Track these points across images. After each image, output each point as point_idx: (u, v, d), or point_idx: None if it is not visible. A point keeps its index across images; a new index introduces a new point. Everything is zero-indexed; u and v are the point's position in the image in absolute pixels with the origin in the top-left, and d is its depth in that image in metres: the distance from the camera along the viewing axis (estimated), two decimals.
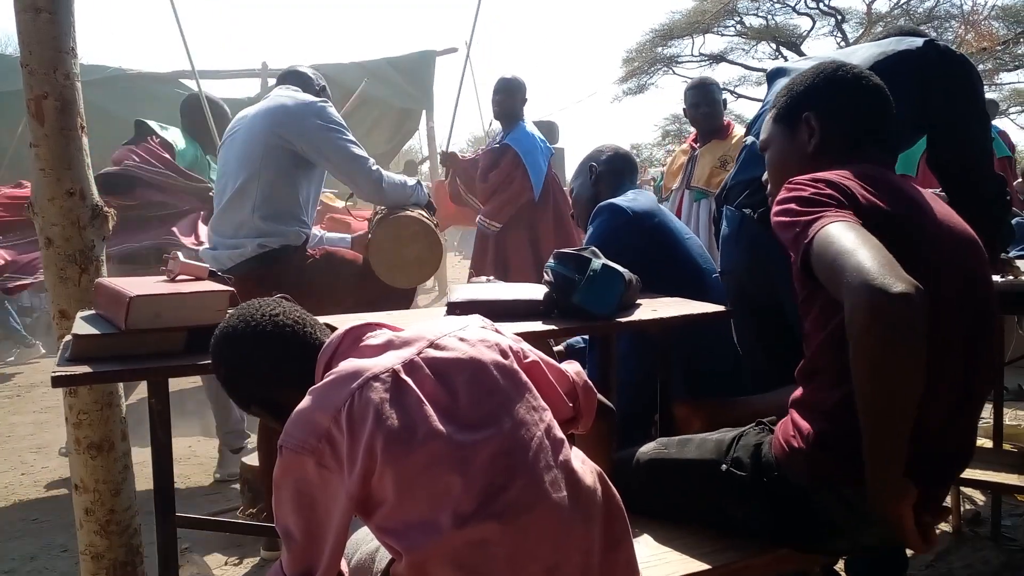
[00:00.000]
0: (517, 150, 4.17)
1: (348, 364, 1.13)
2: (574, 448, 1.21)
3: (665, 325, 1.95)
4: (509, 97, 4.24)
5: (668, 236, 2.30)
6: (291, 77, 2.78)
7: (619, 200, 2.29)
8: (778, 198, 1.33)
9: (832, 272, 1.14)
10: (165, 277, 1.78)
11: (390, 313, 2.07)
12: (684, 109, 4.20)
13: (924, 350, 1.07)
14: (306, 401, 1.11)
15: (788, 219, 1.27)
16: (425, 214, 2.71)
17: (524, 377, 1.19)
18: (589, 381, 1.37)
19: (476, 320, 1.27)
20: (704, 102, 4.01)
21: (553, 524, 1.09)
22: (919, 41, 1.97)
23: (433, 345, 1.16)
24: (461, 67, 7.82)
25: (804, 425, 1.31)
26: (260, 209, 2.49)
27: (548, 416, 1.18)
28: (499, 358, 1.19)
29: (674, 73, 19.97)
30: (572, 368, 1.36)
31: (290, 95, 2.63)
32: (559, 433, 1.18)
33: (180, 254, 1.78)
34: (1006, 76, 18.12)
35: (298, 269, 2.53)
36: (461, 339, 1.18)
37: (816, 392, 1.31)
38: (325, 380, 1.12)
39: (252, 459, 2.80)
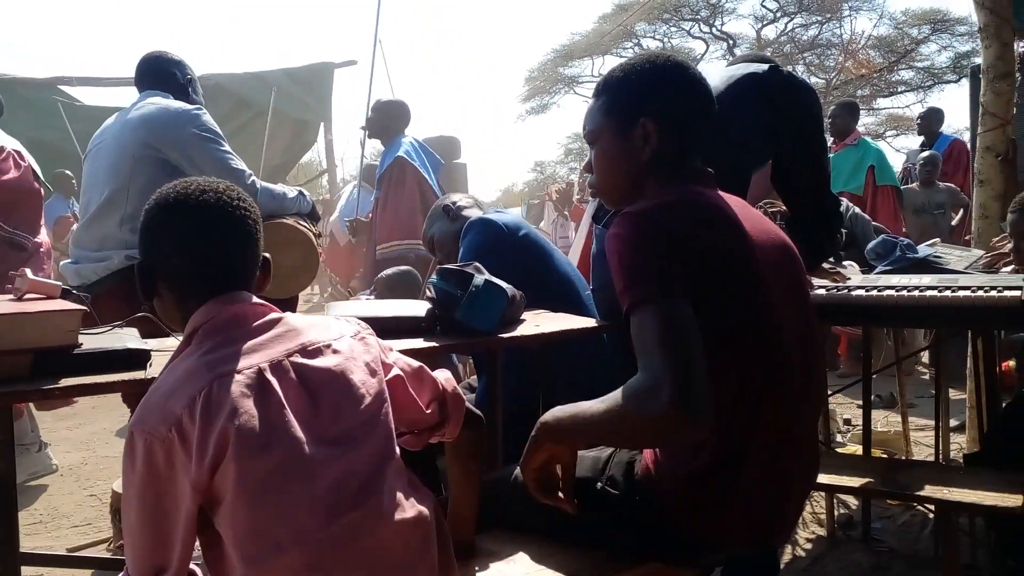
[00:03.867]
0: (411, 161, 4.24)
1: (210, 353, 1.06)
2: (411, 479, 1.18)
3: (547, 340, 1.95)
4: (381, 116, 4.43)
5: (538, 248, 2.35)
6: (152, 75, 2.61)
7: (489, 215, 2.31)
8: (611, 233, 1.28)
9: (637, 351, 1.15)
10: (11, 296, 1.65)
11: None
12: None
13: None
14: (162, 383, 1.05)
15: (615, 269, 1.26)
16: (303, 222, 2.63)
17: (386, 396, 1.16)
18: (458, 389, 1.35)
19: (350, 328, 1.21)
20: None
21: (395, 549, 1.07)
22: (764, 67, 2.07)
23: (304, 351, 1.10)
24: (359, 79, 7.77)
25: (661, 451, 1.34)
26: (129, 221, 2.37)
27: (395, 447, 1.15)
28: (368, 376, 1.15)
29: (575, 93, 20.40)
30: (443, 375, 1.34)
31: (161, 103, 2.51)
32: (401, 464, 1.16)
33: (28, 271, 1.66)
34: (882, 101, 19.33)
35: None
36: (335, 350, 1.13)
37: None
38: (185, 367, 1.05)
39: (121, 486, 2.64)
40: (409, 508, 1.10)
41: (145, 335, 1.73)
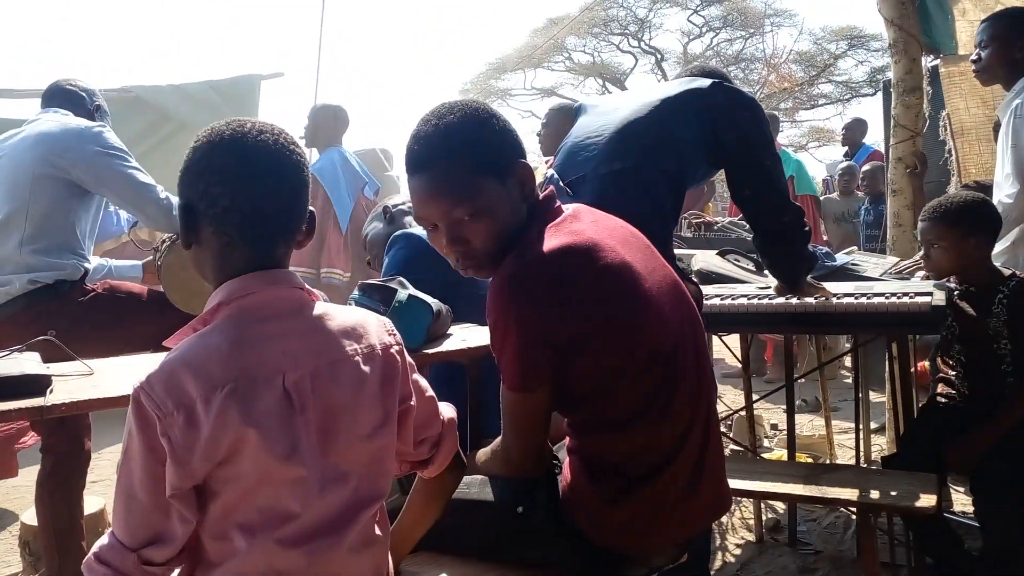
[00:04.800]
0: (322, 183, 4.08)
1: (240, 342, 0.99)
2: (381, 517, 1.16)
3: (475, 355, 1.93)
4: (314, 123, 4.23)
5: None
6: (59, 96, 2.54)
7: (414, 229, 2.28)
8: (489, 297, 1.29)
9: (502, 412, 1.36)
10: None
11: None
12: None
13: None
14: (185, 353, 0.98)
15: (490, 330, 1.32)
16: None
17: (393, 434, 1.12)
18: (456, 433, 1.29)
19: (384, 338, 1.13)
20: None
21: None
22: (707, 82, 2.08)
23: (331, 367, 1.04)
24: (289, 92, 7.62)
25: (579, 472, 1.36)
26: (30, 243, 2.26)
27: (387, 488, 1.13)
28: (389, 405, 1.10)
29: (508, 105, 20.52)
30: (448, 412, 1.28)
31: (60, 120, 2.42)
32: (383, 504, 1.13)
33: None
34: (804, 114, 20.02)
35: (77, 306, 2.30)
36: (360, 370, 1.06)
37: (582, 442, 1.37)
38: (212, 346, 0.98)
39: (31, 517, 2.50)
40: (367, 554, 1.07)
41: (47, 360, 1.64)
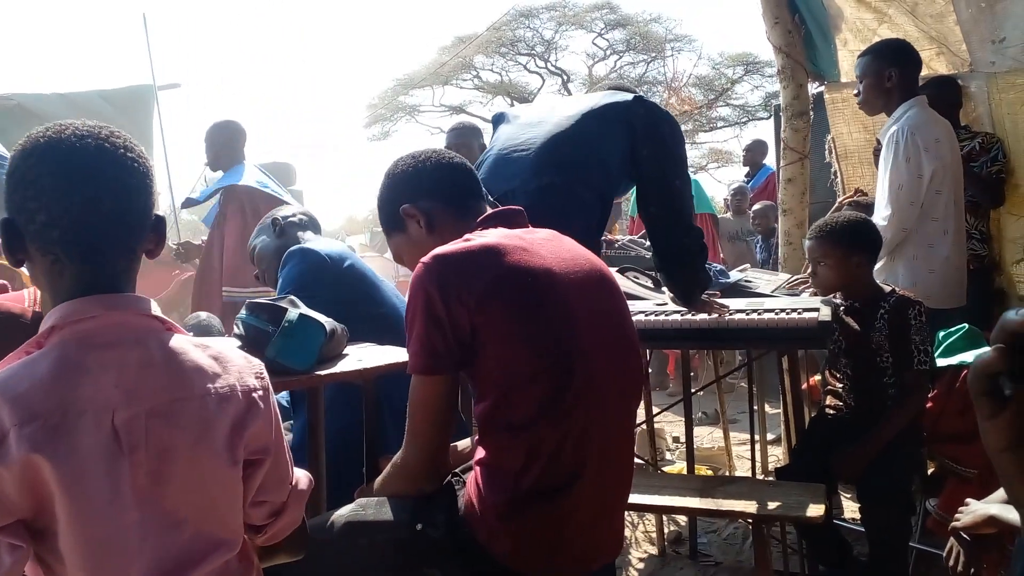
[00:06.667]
0: (257, 188, 3.94)
1: (68, 370, 0.89)
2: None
3: (370, 376, 1.88)
4: (211, 144, 4.04)
5: (364, 280, 2.27)
6: None
7: (309, 244, 2.21)
8: (411, 283, 1.36)
9: (408, 416, 1.39)
10: None
11: None
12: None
13: None
14: (4, 377, 0.87)
15: (406, 326, 1.37)
16: None
17: (239, 479, 1.00)
18: (302, 508, 1.15)
19: (247, 380, 1.02)
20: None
21: None
22: (629, 96, 2.11)
23: (172, 404, 0.93)
24: (187, 103, 7.38)
25: (481, 483, 1.34)
26: None
27: (236, 542, 1.02)
28: (237, 454, 0.98)
29: (417, 121, 20.45)
30: (302, 483, 1.13)
31: None
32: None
33: None
34: (703, 136, 20.75)
35: None
36: (210, 406, 0.96)
37: (489, 450, 1.35)
38: (36, 372, 0.88)
39: None
40: None
41: None
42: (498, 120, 2.30)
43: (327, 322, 1.83)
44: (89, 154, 0.94)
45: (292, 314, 1.75)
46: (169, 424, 0.93)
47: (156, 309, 1.00)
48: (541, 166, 2.02)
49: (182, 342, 0.99)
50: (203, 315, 3.27)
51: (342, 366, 1.84)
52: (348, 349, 1.97)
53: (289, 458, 1.10)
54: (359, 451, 1.99)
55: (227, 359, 1.03)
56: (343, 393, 2.14)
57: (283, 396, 2.34)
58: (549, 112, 2.17)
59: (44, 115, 7.60)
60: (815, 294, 2.57)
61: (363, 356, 1.94)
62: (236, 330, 1.77)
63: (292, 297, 1.85)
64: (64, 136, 0.94)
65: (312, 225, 2.48)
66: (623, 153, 2.06)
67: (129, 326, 0.96)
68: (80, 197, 0.93)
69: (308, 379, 1.77)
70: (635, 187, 2.18)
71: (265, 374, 1.07)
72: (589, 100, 2.14)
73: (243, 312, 1.77)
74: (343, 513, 1.51)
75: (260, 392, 1.04)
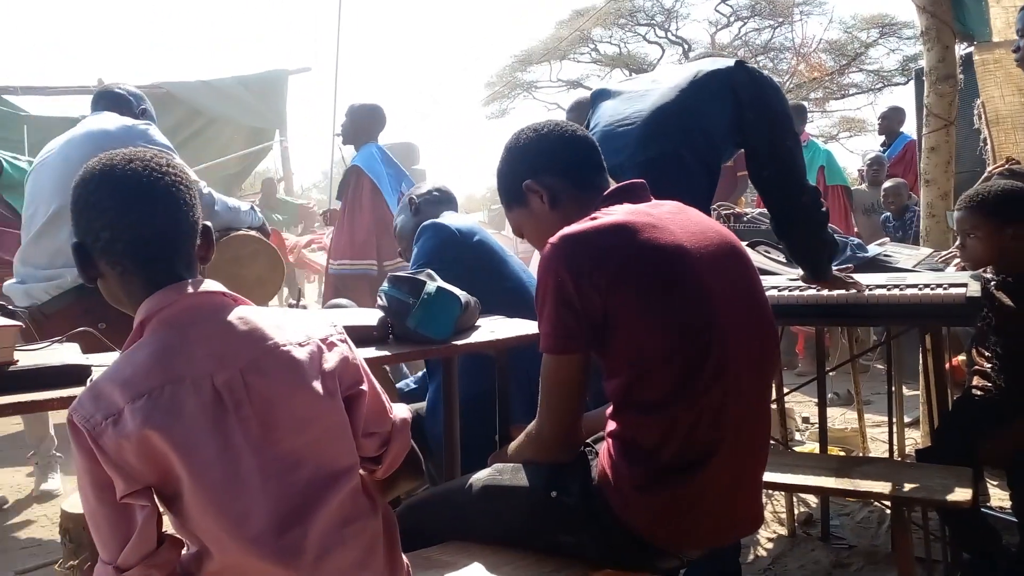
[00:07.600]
0: (366, 173, 4.13)
1: (164, 351, 1.03)
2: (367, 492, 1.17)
3: (502, 347, 1.94)
4: (352, 122, 4.27)
5: (492, 254, 2.34)
6: (107, 98, 2.62)
7: (441, 219, 2.29)
8: (540, 263, 1.38)
9: (540, 391, 1.41)
10: None
11: None
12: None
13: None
14: (112, 371, 1.03)
15: (536, 299, 1.38)
16: (259, 235, 2.63)
17: (343, 419, 1.13)
18: (408, 435, 1.27)
19: (320, 331, 1.15)
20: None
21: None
22: (730, 62, 2.09)
23: (259, 362, 1.06)
24: (316, 86, 7.70)
25: (616, 456, 1.35)
26: None
27: (350, 473, 1.13)
28: (331, 385, 1.11)
29: (534, 98, 20.44)
30: (400, 413, 1.26)
31: (109, 118, 2.50)
32: (356, 485, 1.13)
33: None
34: (834, 104, 19.70)
35: None
36: (293, 360, 1.08)
37: (623, 426, 1.36)
38: (137, 359, 1.03)
39: (74, 505, 2.55)
40: (351, 531, 1.09)
41: (87, 350, 1.67)
42: (598, 96, 2.32)
43: (462, 295, 1.90)
44: (138, 176, 1.09)
45: (431, 287, 1.83)
46: (264, 375, 1.05)
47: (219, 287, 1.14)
48: (648, 138, 2.04)
49: (251, 310, 1.13)
50: (343, 301, 3.45)
51: (476, 336, 1.91)
52: (479, 321, 2.04)
53: (381, 392, 1.22)
54: (488, 418, 2.07)
55: (299, 317, 1.18)
56: (472, 362, 2.22)
57: (411, 379, 2.46)
58: (652, 84, 2.18)
59: (190, 102, 8.16)
60: (963, 268, 2.43)
61: (495, 328, 2.00)
62: (380, 301, 1.87)
63: (429, 271, 1.93)
64: (115, 163, 1.10)
65: (446, 200, 2.55)
66: (728, 120, 2.06)
67: (204, 305, 1.09)
68: (136, 214, 1.08)
69: (445, 348, 1.85)
70: (746, 153, 2.14)
71: (341, 329, 1.20)
72: (691, 69, 2.13)
73: (385, 284, 1.87)
74: (481, 476, 1.57)
75: (335, 335, 1.17)
